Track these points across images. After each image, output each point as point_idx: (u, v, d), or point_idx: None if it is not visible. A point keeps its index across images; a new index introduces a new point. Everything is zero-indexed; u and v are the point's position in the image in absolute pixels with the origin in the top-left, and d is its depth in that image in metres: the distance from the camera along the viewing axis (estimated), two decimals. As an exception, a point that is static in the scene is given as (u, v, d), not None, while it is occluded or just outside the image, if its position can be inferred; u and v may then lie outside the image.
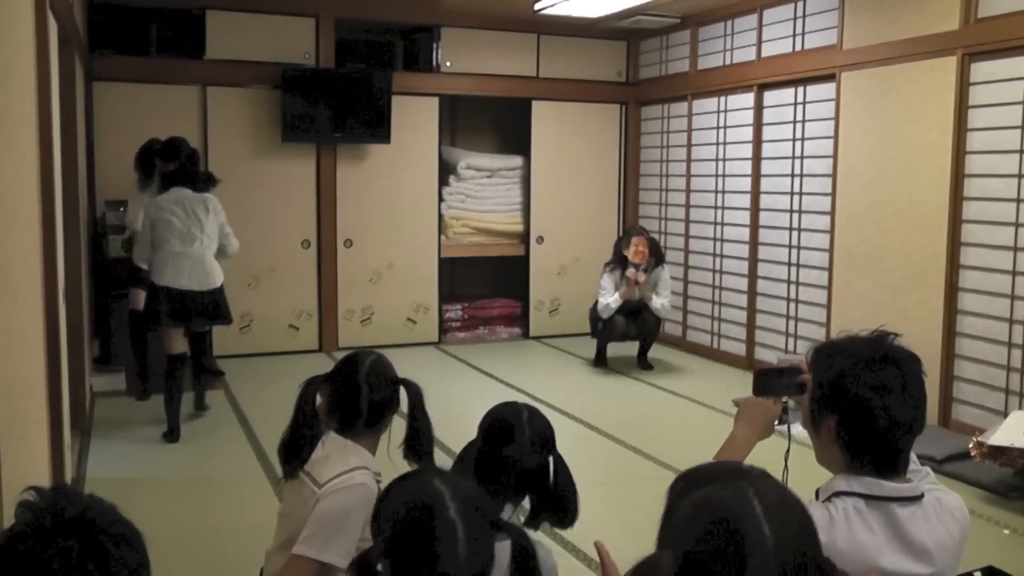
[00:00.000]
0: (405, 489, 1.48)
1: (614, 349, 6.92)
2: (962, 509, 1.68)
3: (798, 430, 1.90)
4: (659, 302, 6.52)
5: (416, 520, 1.40)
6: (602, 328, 6.62)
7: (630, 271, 6.46)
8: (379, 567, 1.41)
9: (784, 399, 1.96)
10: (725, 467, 1.21)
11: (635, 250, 6.46)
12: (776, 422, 1.97)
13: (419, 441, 2.34)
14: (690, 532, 1.12)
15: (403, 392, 2.39)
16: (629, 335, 6.68)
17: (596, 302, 6.66)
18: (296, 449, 2.30)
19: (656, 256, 6.61)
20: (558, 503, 2.10)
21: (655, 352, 7.11)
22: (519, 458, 2.01)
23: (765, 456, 2.01)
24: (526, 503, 2.13)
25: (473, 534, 1.39)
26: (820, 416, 1.68)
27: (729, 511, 1.11)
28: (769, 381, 1.94)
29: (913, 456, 1.76)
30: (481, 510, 1.45)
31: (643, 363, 6.76)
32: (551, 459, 2.06)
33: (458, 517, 1.39)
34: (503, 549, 1.49)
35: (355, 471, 2.21)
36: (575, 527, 3.60)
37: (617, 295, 6.48)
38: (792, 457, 1.99)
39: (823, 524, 1.57)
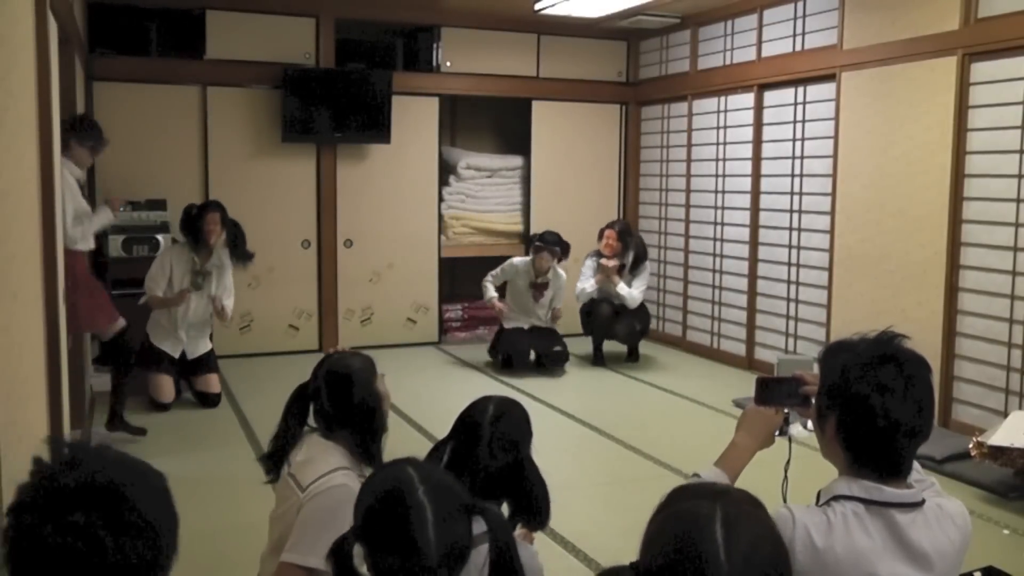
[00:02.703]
0: (378, 476, 1.55)
1: (613, 348, 6.95)
2: (964, 515, 1.67)
3: (798, 431, 1.89)
4: (624, 289, 6.67)
5: (387, 503, 1.45)
6: (590, 321, 6.79)
7: (603, 259, 6.67)
8: (354, 552, 1.46)
9: (785, 409, 1.93)
10: (707, 489, 1.22)
11: (605, 242, 6.71)
12: (776, 432, 1.94)
13: (362, 433, 2.30)
14: (658, 545, 1.15)
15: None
16: (617, 335, 6.79)
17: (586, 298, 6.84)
18: (275, 450, 2.37)
19: (638, 253, 6.75)
20: (527, 504, 2.08)
21: (655, 351, 7.13)
22: (482, 458, 1.99)
23: (769, 462, 2.00)
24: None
25: (443, 515, 1.44)
26: (824, 413, 1.67)
27: (693, 531, 1.12)
28: (771, 390, 1.93)
29: (918, 466, 1.75)
30: (451, 493, 1.49)
31: (631, 354, 6.95)
32: (520, 461, 2.04)
33: (427, 499, 1.44)
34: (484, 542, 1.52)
35: (336, 472, 2.21)
36: (576, 527, 3.60)
37: (593, 281, 6.69)
38: (794, 463, 1.97)
39: (821, 529, 1.56)
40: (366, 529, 1.46)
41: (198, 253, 5.45)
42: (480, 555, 1.52)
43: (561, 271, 6.69)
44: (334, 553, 1.47)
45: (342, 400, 2.31)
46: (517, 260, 6.73)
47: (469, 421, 2.05)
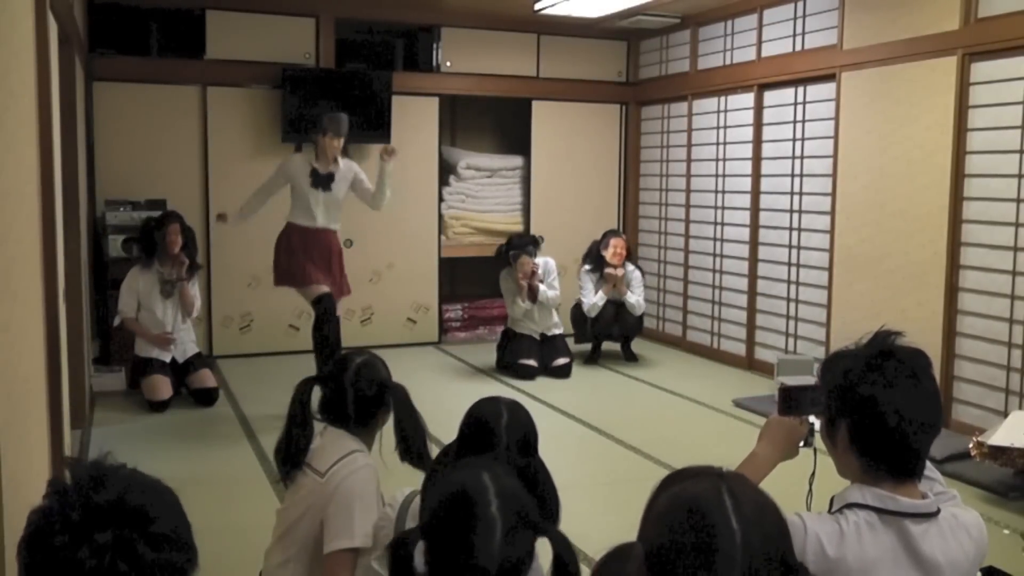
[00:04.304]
0: (453, 478, 1.50)
1: (607, 347, 6.98)
2: (980, 527, 1.65)
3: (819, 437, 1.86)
4: (634, 298, 6.72)
5: (457, 509, 1.43)
6: (592, 324, 6.78)
7: (609, 269, 6.64)
8: (416, 550, 1.44)
9: (811, 420, 1.88)
10: (705, 468, 1.23)
11: (614, 251, 6.68)
12: (801, 443, 1.89)
13: (409, 442, 2.37)
14: (663, 523, 1.14)
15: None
16: (614, 333, 6.85)
17: (577, 303, 6.82)
18: (289, 450, 2.37)
19: (628, 258, 6.84)
20: (540, 505, 2.08)
21: (655, 351, 7.13)
22: (501, 462, 1.95)
23: (792, 473, 1.97)
24: None
25: (511, 531, 1.42)
26: (834, 425, 1.65)
27: (699, 502, 1.13)
28: (794, 399, 1.87)
29: (939, 476, 1.73)
30: (523, 509, 1.47)
31: (628, 354, 6.95)
32: (532, 463, 2.03)
33: (499, 513, 1.42)
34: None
35: (354, 454, 2.30)
36: (576, 527, 3.59)
37: (601, 292, 6.68)
38: (819, 474, 1.93)
39: (833, 538, 1.55)
40: (431, 530, 1.44)
41: (162, 264, 5.57)
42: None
43: (548, 259, 6.64)
44: (394, 548, 1.46)
45: (370, 407, 2.38)
46: (503, 274, 6.61)
47: (482, 425, 2.02)
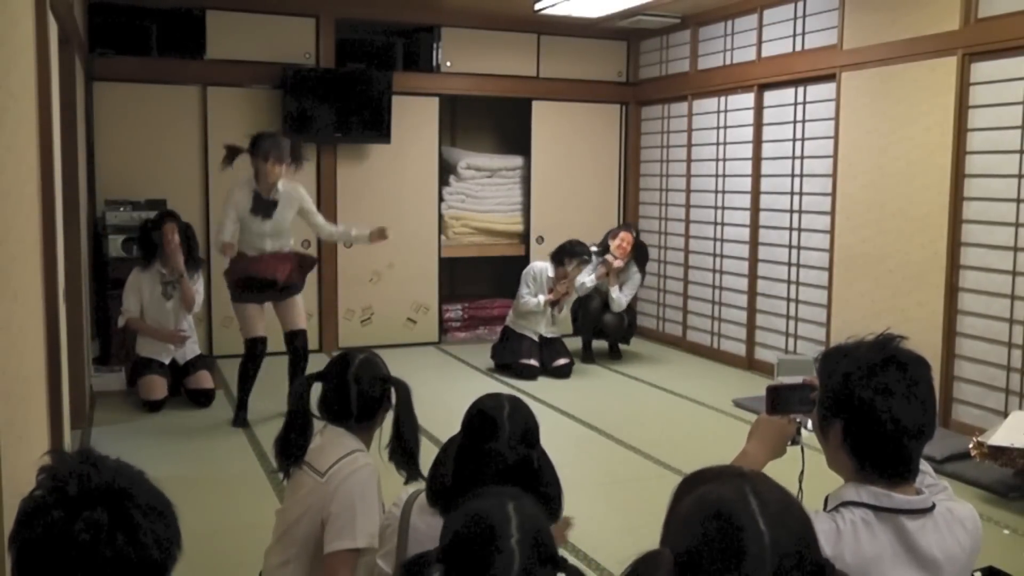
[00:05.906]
0: (477, 503, 1.47)
1: (599, 344, 7.03)
2: (974, 519, 1.65)
3: (805, 433, 1.87)
4: (616, 293, 6.78)
5: (477, 538, 1.40)
6: (581, 317, 6.85)
7: (608, 257, 6.70)
8: (433, 573, 1.42)
9: (798, 419, 1.90)
10: (726, 468, 1.23)
11: (619, 243, 6.73)
12: (789, 442, 1.91)
13: (403, 441, 2.38)
14: (689, 528, 1.14)
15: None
16: (609, 327, 6.89)
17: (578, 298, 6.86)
18: (289, 447, 2.37)
19: (639, 260, 6.88)
20: (541, 499, 2.09)
21: (655, 351, 7.14)
22: (500, 453, 1.98)
23: (781, 472, 1.98)
24: None
25: (528, 566, 1.39)
26: (827, 421, 1.65)
27: (726, 506, 1.12)
28: (782, 398, 1.89)
29: (930, 469, 1.73)
30: (544, 542, 1.44)
31: (613, 352, 7.07)
32: (534, 454, 2.04)
33: (518, 547, 1.38)
34: None
35: (354, 454, 2.30)
36: (576, 527, 3.60)
37: (593, 275, 6.73)
38: (807, 472, 1.93)
39: (830, 536, 1.55)
40: (448, 554, 1.42)
41: (163, 264, 5.57)
42: None
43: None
44: (409, 568, 1.44)
45: (372, 404, 2.38)
46: (538, 267, 6.66)
47: (484, 416, 2.04)
